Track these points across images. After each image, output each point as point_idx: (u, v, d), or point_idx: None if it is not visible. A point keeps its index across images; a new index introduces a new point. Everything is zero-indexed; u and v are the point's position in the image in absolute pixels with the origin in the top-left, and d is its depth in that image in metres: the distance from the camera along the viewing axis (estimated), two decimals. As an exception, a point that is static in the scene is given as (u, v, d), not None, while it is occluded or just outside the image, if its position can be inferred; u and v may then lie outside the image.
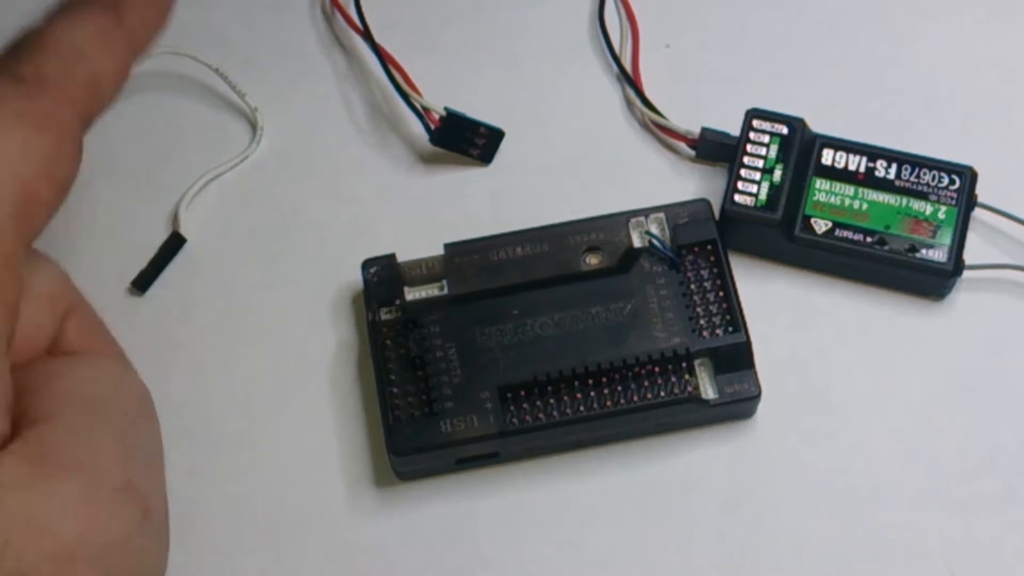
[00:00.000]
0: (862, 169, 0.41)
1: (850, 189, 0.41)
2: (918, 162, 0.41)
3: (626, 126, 0.46)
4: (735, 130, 0.43)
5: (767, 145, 0.42)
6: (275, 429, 0.41)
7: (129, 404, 0.27)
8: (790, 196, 0.41)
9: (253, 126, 0.46)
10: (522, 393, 0.38)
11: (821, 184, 0.41)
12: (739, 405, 0.39)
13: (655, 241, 0.40)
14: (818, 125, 0.42)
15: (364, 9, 0.46)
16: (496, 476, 0.39)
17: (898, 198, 0.41)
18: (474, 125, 0.45)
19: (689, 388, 0.38)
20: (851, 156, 0.42)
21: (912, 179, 0.41)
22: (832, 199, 0.41)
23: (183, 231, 0.44)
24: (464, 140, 0.45)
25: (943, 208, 0.41)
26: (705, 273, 0.40)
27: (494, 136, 0.45)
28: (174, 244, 0.44)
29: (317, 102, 0.47)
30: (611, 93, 0.46)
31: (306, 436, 0.40)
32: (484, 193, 0.45)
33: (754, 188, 0.41)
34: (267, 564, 0.39)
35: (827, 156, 0.42)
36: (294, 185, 0.45)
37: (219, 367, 0.42)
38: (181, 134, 0.46)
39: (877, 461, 0.39)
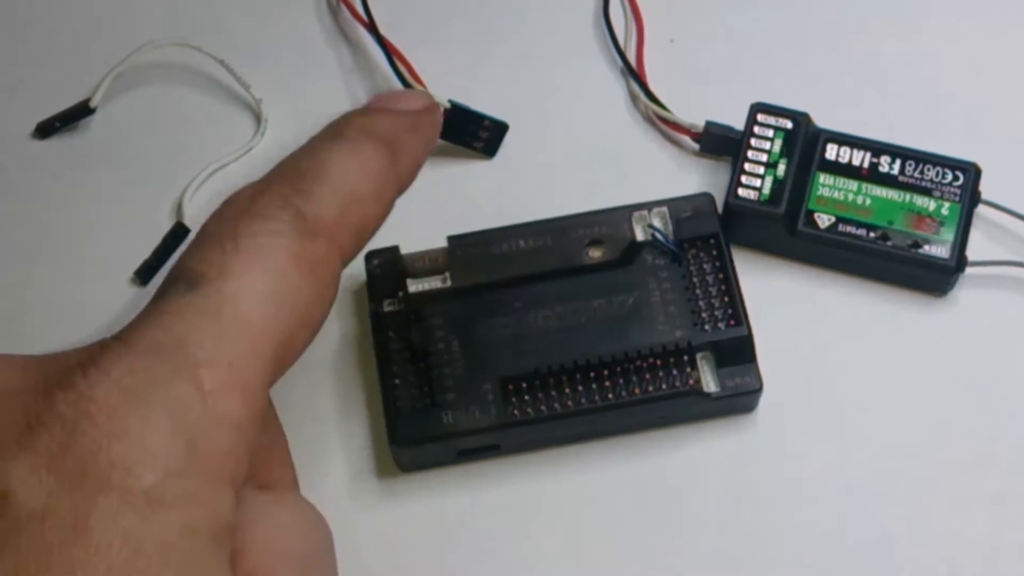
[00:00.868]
0: (866, 164, 0.41)
1: (853, 184, 0.41)
2: (922, 158, 0.41)
3: (630, 120, 0.46)
4: (739, 124, 0.43)
5: (771, 139, 0.42)
6: (277, 420, 0.41)
7: (328, 558, 0.29)
8: (793, 191, 0.41)
9: (257, 117, 0.46)
10: (524, 385, 0.38)
11: (825, 179, 0.41)
12: (741, 399, 0.39)
13: (658, 235, 0.40)
14: (822, 120, 0.42)
15: (369, 2, 0.46)
16: (497, 468, 0.39)
17: (901, 194, 0.41)
18: (478, 118, 0.45)
19: (691, 381, 0.38)
20: (855, 151, 0.42)
21: (916, 175, 0.41)
22: (835, 194, 0.41)
23: (187, 222, 0.44)
24: (468, 133, 0.45)
25: (946, 204, 0.41)
26: (707, 267, 0.40)
27: (498, 129, 0.45)
28: (178, 235, 0.44)
29: (321, 94, 0.47)
30: (616, 87, 0.46)
31: (308, 427, 0.40)
32: (487, 186, 0.45)
33: (758, 182, 0.41)
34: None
35: (831, 151, 0.42)
36: (298, 177, 0.45)
37: (222, 358, 0.42)
38: (185, 125, 0.46)
39: (878, 455, 0.39)
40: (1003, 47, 0.46)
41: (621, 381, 0.38)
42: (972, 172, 0.41)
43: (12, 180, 0.46)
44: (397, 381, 0.39)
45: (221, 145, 0.46)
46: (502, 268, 0.40)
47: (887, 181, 0.41)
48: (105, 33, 0.48)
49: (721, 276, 0.40)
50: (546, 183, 0.44)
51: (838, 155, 0.42)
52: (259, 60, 0.47)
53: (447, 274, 0.40)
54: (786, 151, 0.42)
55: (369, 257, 0.41)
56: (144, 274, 0.43)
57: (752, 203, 0.41)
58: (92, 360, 0.25)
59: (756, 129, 0.42)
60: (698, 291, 0.39)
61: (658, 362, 0.38)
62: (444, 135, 0.44)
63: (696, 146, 0.44)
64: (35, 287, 0.44)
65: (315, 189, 0.28)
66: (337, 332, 0.42)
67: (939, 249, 0.40)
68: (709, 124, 0.43)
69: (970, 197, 0.41)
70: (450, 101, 0.44)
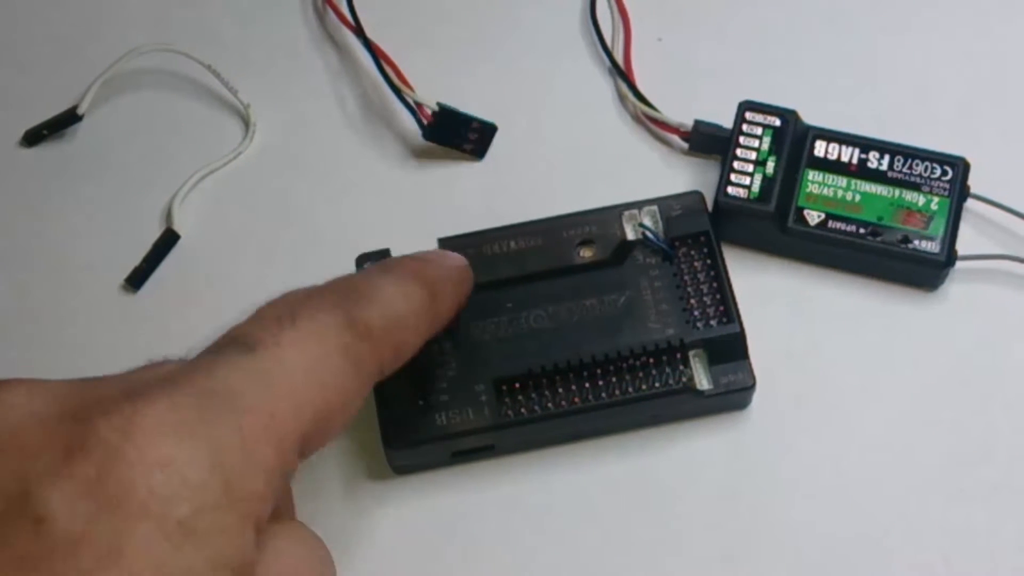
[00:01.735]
0: (855, 161, 0.42)
1: (843, 181, 0.41)
2: (910, 153, 0.42)
3: (619, 120, 0.46)
4: (728, 122, 0.43)
5: (760, 137, 0.42)
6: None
7: None
8: (783, 188, 0.41)
9: (246, 123, 0.46)
10: (517, 386, 0.38)
11: (814, 176, 0.41)
12: (733, 396, 0.39)
13: (648, 233, 0.40)
14: (810, 117, 0.43)
15: (356, 5, 0.46)
16: (492, 469, 0.39)
17: (891, 189, 0.41)
18: (467, 120, 0.45)
19: (683, 379, 0.38)
20: (844, 148, 0.42)
21: (905, 170, 0.41)
22: (825, 191, 0.41)
23: (177, 228, 0.44)
24: (457, 135, 0.45)
25: (936, 199, 0.41)
26: (698, 265, 0.40)
27: (487, 131, 0.45)
28: (168, 241, 0.44)
29: (310, 98, 0.47)
30: (604, 87, 0.46)
31: (301, 431, 0.40)
32: (477, 188, 0.45)
33: (747, 180, 0.41)
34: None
35: (820, 148, 0.42)
36: (287, 181, 0.45)
37: (214, 363, 0.42)
38: (174, 131, 0.46)
39: (872, 451, 0.39)
40: (991, 42, 0.46)
41: (614, 380, 0.38)
42: (961, 167, 0.41)
43: (0, 188, 0.46)
44: (389, 383, 0.38)
45: (210, 150, 0.46)
46: (493, 269, 0.40)
47: (876, 177, 0.41)
48: (92, 40, 0.48)
49: (712, 274, 0.40)
50: (535, 184, 0.44)
51: (827, 152, 0.42)
52: (246, 65, 0.47)
53: (438, 276, 0.40)
54: (775, 148, 0.42)
55: (360, 260, 0.41)
56: (135, 280, 0.43)
57: (742, 201, 0.41)
58: (139, 392, 0.26)
59: (745, 127, 0.42)
60: (689, 289, 0.39)
61: (651, 360, 0.38)
62: (433, 137, 0.44)
63: (685, 145, 0.44)
64: (26, 294, 0.44)
65: (365, 304, 0.31)
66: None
67: (929, 244, 0.40)
68: (698, 123, 0.44)
69: (959, 192, 0.41)
70: (438, 104, 0.44)
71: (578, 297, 0.39)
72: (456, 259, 0.37)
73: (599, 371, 0.38)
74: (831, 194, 0.41)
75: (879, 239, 0.41)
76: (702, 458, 0.39)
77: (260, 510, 0.26)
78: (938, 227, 0.40)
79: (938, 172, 0.41)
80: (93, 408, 0.25)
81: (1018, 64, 0.46)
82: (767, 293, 0.42)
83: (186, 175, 0.45)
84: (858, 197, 0.41)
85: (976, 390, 0.40)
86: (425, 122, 0.44)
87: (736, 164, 0.42)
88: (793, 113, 0.42)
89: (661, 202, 0.41)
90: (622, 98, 0.46)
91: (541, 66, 0.47)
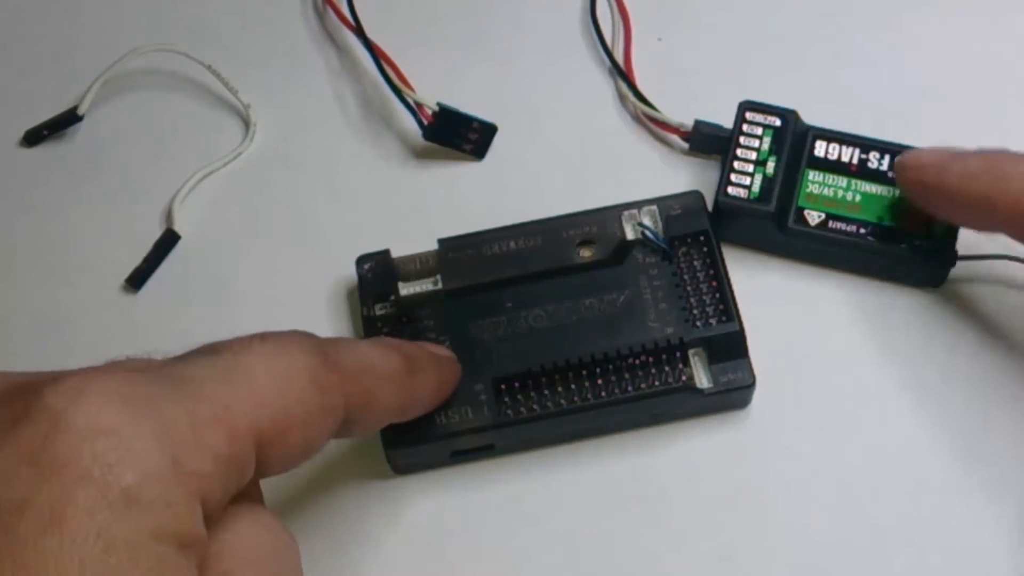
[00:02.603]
0: (855, 161, 0.42)
1: (843, 181, 0.41)
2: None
3: (619, 120, 0.46)
4: (727, 122, 0.43)
5: (760, 137, 0.42)
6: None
7: (291, 570, 0.29)
8: (783, 188, 0.41)
9: (246, 123, 0.46)
10: (516, 385, 0.38)
11: (814, 176, 0.41)
12: (733, 394, 0.39)
13: (648, 233, 0.40)
14: (810, 117, 0.43)
15: (356, 5, 0.46)
16: (492, 468, 0.39)
17: (891, 189, 0.41)
18: (467, 120, 0.45)
19: (683, 378, 0.38)
20: (844, 148, 0.42)
21: None
22: (825, 191, 0.41)
23: (177, 228, 0.44)
24: (457, 135, 0.45)
25: None
26: (698, 264, 0.40)
27: (487, 131, 0.45)
28: (168, 241, 0.44)
29: (310, 98, 0.47)
30: (603, 87, 0.46)
31: (301, 431, 0.40)
32: (477, 188, 0.45)
33: (747, 180, 0.41)
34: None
35: (820, 148, 0.42)
36: (288, 182, 0.45)
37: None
38: (174, 131, 0.46)
39: (871, 450, 0.39)
40: (990, 41, 0.46)
41: (614, 379, 0.38)
42: None
43: (1, 189, 0.46)
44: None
45: (210, 151, 0.46)
46: (493, 269, 0.40)
47: (876, 177, 0.41)
48: (92, 40, 0.48)
49: (712, 273, 0.40)
50: (535, 184, 0.44)
51: (827, 152, 0.42)
52: (246, 65, 0.47)
53: (438, 276, 0.40)
54: (775, 148, 0.42)
55: (360, 261, 0.41)
56: (135, 280, 0.43)
57: (742, 201, 0.41)
58: (93, 368, 0.26)
59: (745, 127, 0.42)
60: (689, 288, 0.40)
61: (650, 359, 0.38)
62: (433, 137, 0.44)
63: (685, 145, 0.44)
64: (27, 295, 0.44)
65: (339, 346, 0.32)
66: (329, 335, 0.42)
67: (928, 244, 0.40)
68: (698, 123, 0.44)
69: None
70: (438, 104, 0.44)
71: (578, 296, 0.39)
72: (442, 348, 0.38)
73: (599, 370, 0.38)
74: (831, 194, 0.41)
75: (879, 239, 0.41)
76: (702, 457, 0.39)
77: (208, 490, 0.26)
78: (938, 227, 0.40)
79: None
80: (44, 381, 0.25)
81: (1017, 64, 0.46)
82: (768, 293, 0.42)
83: (186, 175, 0.45)
84: (858, 197, 0.41)
85: (976, 388, 0.40)
86: (425, 122, 0.44)
87: (736, 164, 0.42)
88: (793, 113, 0.42)
89: (661, 202, 0.41)
90: (622, 98, 0.46)
91: (541, 66, 0.47)
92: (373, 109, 0.46)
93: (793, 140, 0.42)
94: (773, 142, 0.42)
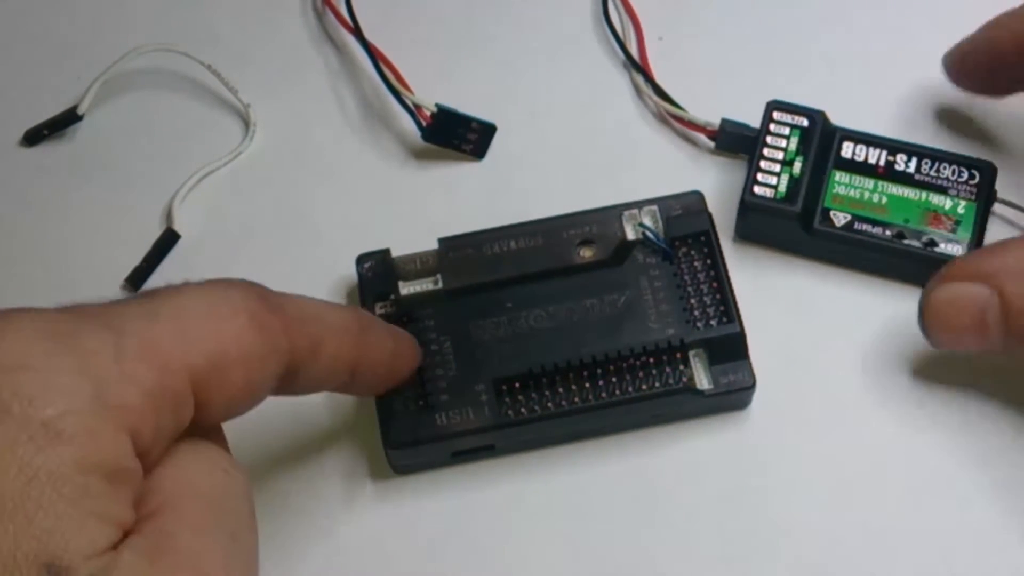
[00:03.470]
0: (882, 163, 0.41)
1: (869, 183, 0.41)
2: (938, 156, 0.41)
3: (629, 117, 0.45)
4: (747, 121, 0.43)
5: (787, 137, 0.42)
6: (271, 424, 0.41)
7: (240, 503, 0.28)
8: (810, 188, 0.41)
9: (246, 122, 0.46)
10: (517, 385, 0.38)
11: (841, 177, 0.41)
12: (734, 395, 0.39)
13: (648, 233, 0.40)
14: (837, 118, 0.42)
15: (355, 7, 0.46)
16: (492, 469, 0.39)
17: (917, 192, 0.41)
18: (466, 120, 0.45)
19: (684, 379, 0.38)
20: (871, 149, 0.42)
21: (932, 173, 0.41)
22: (852, 192, 0.41)
23: (177, 228, 0.44)
24: (456, 136, 0.45)
25: (962, 203, 0.41)
26: (699, 264, 0.40)
27: (486, 131, 0.45)
28: (168, 241, 0.44)
29: (309, 98, 0.47)
30: (611, 87, 0.46)
31: (301, 431, 0.40)
32: (477, 188, 0.45)
33: (774, 180, 0.41)
34: (262, 559, 0.39)
35: (847, 149, 0.42)
36: (287, 181, 0.45)
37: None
38: (173, 131, 0.46)
39: (871, 451, 0.39)
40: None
41: (614, 380, 0.38)
42: (988, 171, 0.41)
43: (1, 188, 0.46)
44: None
45: (210, 150, 0.46)
46: (494, 269, 0.40)
47: (903, 179, 0.41)
48: (92, 40, 0.48)
49: (712, 273, 0.40)
50: (536, 184, 0.44)
51: (854, 153, 0.42)
52: (246, 65, 0.47)
53: (438, 276, 0.40)
54: (802, 149, 0.42)
55: (360, 260, 0.41)
56: (135, 280, 0.43)
57: (768, 200, 0.41)
58: (17, 308, 0.26)
59: (772, 127, 0.42)
60: (689, 289, 0.40)
61: (651, 360, 0.38)
62: (432, 139, 0.44)
63: (711, 144, 0.44)
64: (26, 295, 0.43)
65: (286, 296, 0.31)
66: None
67: (955, 248, 0.40)
68: (725, 122, 0.43)
69: (986, 196, 0.41)
70: (437, 105, 0.44)
71: (578, 297, 0.39)
72: (400, 328, 0.38)
73: (599, 371, 0.38)
74: (858, 196, 0.41)
75: (904, 242, 0.40)
76: (702, 458, 0.39)
77: (137, 423, 0.26)
78: (965, 231, 0.40)
79: (965, 176, 0.41)
80: None
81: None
82: (775, 294, 0.41)
83: (186, 175, 0.45)
84: (885, 199, 0.41)
85: (984, 392, 0.40)
86: (424, 123, 0.44)
87: (763, 164, 0.41)
88: (821, 114, 0.42)
89: (661, 202, 0.41)
90: (637, 91, 0.46)
91: (543, 66, 0.47)
92: (372, 110, 0.46)
93: (820, 141, 0.42)
94: (800, 142, 0.42)
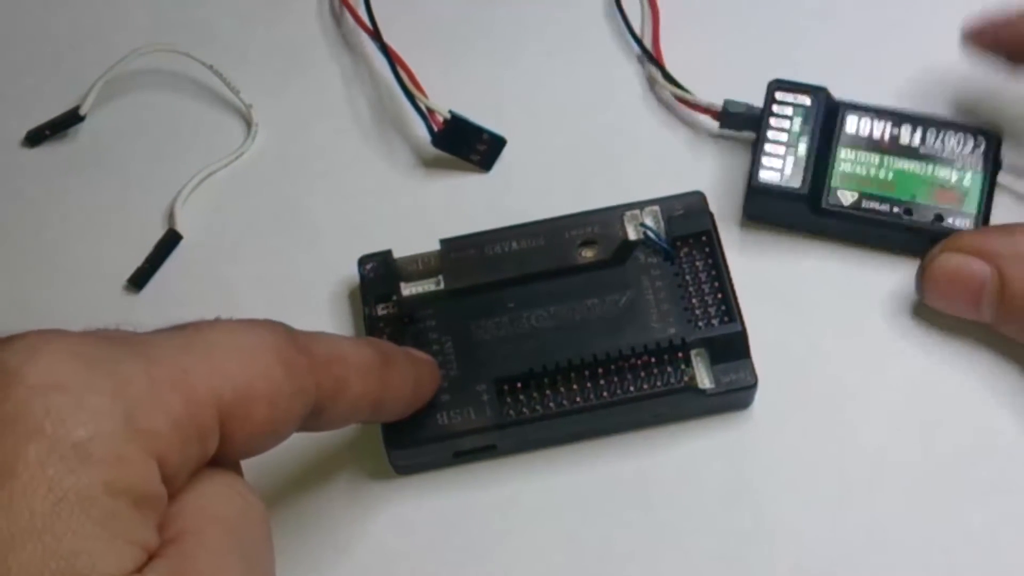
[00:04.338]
0: (887, 137, 0.41)
1: (875, 158, 0.41)
2: (942, 124, 0.41)
3: (626, 114, 0.45)
4: (754, 100, 0.43)
5: (790, 118, 0.42)
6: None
7: (257, 529, 0.29)
8: (816, 168, 0.41)
9: (248, 123, 0.46)
10: (519, 385, 0.38)
11: (846, 154, 0.41)
12: (736, 395, 0.39)
13: (650, 233, 0.40)
14: (839, 91, 0.42)
15: (373, 7, 0.46)
16: (494, 469, 0.39)
17: (923, 166, 0.41)
18: (477, 131, 0.44)
19: (685, 378, 0.38)
20: (875, 122, 0.42)
21: (937, 145, 0.41)
22: (858, 169, 0.41)
23: (179, 228, 0.44)
24: (466, 145, 0.44)
25: (968, 174, 0.41)
26: (700, 264, 0.40)
27: (496, 144, 0.45)
28: (170, 241, 0.44)
29: (312, 99, 0.47)
30: (611, 81, 0.46)
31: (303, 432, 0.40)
32: (482, 199, 0.44)
33: (779, 163, 0.41)
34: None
35: (851, 124, 0.42)
36: (289, 182, 0.45)
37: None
38: (175, 131, 0.47)
39: (873, 450, 0.39)
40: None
41: (616, 379, 0.38)
42: (992, 139, 0.41)
43: (3, 189, 0.46)
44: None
45: (212, 151, 0.46)
46: (495, 269, 0.40)
47: (908, 153, 0.41)
48: (94, 40, 0.48)
49: (714, 273, 0.40)
50: (539, 184, 0.44)
51: (858, 128, 0.42)
52: (248, 65, 0.47)
53: (440, 277, 0.40)
54: (806, 128, 0.42)
55: (362, 261, 0.41)
56: (138, 281, 0.43)
57: (776, 183, 0.41)
58: (50, 329, 0.26)
59: (775, 107, 0.42)
60: (691, 288, 0.40)
61: (652, 360, 0.38)
62: (441, 144, 0.44)
63: (714, 126, 0.44)
64: (28, 295, 0.44)
65: (311, 335, 0.32)
66: (331, 336, 0.42)
67: (963, 221, 0.40)
68: (728, 102, 0.43)
69: (992, 165, 0.41)
70: (450, 112, 0.44)
71: (580, 297, 0.39)
72: (421, 353, 0.38)
73: (601, 371, 0.38)
74: (864, 173, 0.41)
75: (912, 218, 0.40)
76: (703, 458, 0.39)
77: (165, 450, 0.26)
78: (971, 204, 0.40)
79: (970, 145, 0.41)
80: (2, 340, 0.26)
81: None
82: (774, 290, 0.41)
83: (188, 176, 0.45)
84: (891, 175, 0.41)
85: (985, 382, 0.40)
86: (435, 128, 0.44)
87: (768, 146, 0.41)
88: (823, 90, 0.42)
89: (663, 202, 0.41)
90: (650, 82, 0.45)
91: (547, 67, 0.47)
92: (378, 112, 0.46)
93: (824, 118, 0.42)
94: (804, 121, 0.42)
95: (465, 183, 0.45)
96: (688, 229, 0.40)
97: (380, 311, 0.40)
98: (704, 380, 0.38)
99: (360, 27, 0.46)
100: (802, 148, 0.41)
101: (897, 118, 0.42)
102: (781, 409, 0.40)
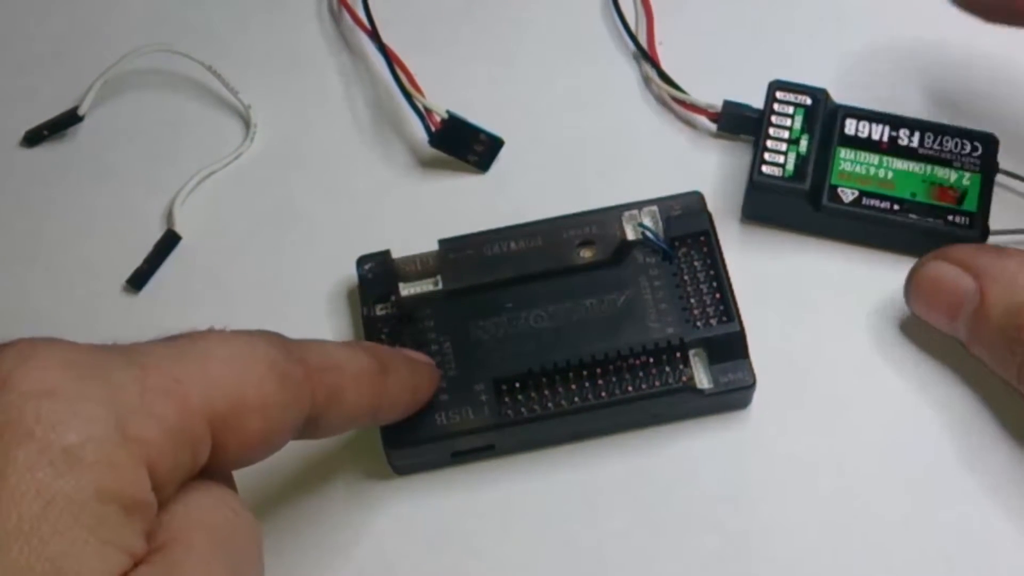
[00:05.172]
0: (885, 138, 0.42)
1: (875, 158, 0.41)
2: (940, 129, 0.42)
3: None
4: (753, 103, 0.43)
5: (791, 116, 0.42)
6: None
7: (246, 542, 0.29)
8: (816, 166, 0.41)
9: (247, 123, 0.46)
10: (517, 385, 0.38)
11: (846, 154, 0.42)
12: (734, 395, 0.39)
13: (648, 233, 0.40)
14: (838, 95, 0.43)
15: (371, 6, 0.46)
16: (492, 469, 0.39)
17: (922, 166, 0.41)
18: (475, 131, 0.44)
19: (683, 378, 0.38)
20: (874, 125, 0.42)
21: (935, 147, 0.41)
22: (857, 168, 0.41)
23: (178, 229, 0.44)
24: (463, 145, 0.44)
25: (967, 175, 0.41)
26: (698, 264, 0.40)
27: (494, 144, 0.45)
28: (169, 242, 0.44)
29: (311, 99, 0.47)
30: (608, 82, 0.46)
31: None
32: (479, 200, 0.44)
33: (781, 159, 0.41)
34: (264, 559, 0.39)
35: (850, 126, 0.42)
36: (288, 182, 0.45)
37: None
38: (174, 132, 0.47)
39: (873, 450, 0.39)
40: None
41: (614, 379, 0.38)
42: (990, 142, 0.41)
43: (1, 189, 0.46)
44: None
45: (210, 151, 0.46)
46: (494, 270, 0.40)
47: (907, 154, 0.41)
48: (92, 40, 0.48)
49: (712, 273, 0.40)
50: (538, 186, 0.44)
51: (857, 130, 0.42)
52: (247, 66, 0.47)
53: (439, 277, 0.40)
54: (807, 127, 0.42)
55: (361, 262, 0.41)
56: (136, 281, 0.43)
57: (777, 179, 0.41)
58: (44, 338, 0.26)
59: (776, 107, 0.42)
60: (689, 288, 0.40)
61: (651, 360, 0.38)
62: (439, 145, 0.44)
63: (713, 126, 0.44)
64: (27, 296, 0.44)
65: (305, 344, 0.31)
66: (330, 336, 0.42)
67: (961, 219, 0.40)
68: (727, 103, 0.44)
69: (989, 167, 0.41)
70: (448, 112, 0.44)
71: (578, 297, 0.40)
72: (420, 354, 0.38)
73: (599, 371, 0.38)
74: (864, 171, 0.41)
75: (912, 216, 0.41)
76: (702, 458, 0.39)
77: (156, 458, 0.26)
78: (970, 203, 0.41)
79: (968, 148, 0.41)
80: None
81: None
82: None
83: (187, 176, 0.45)
84: (890, 174, 0.41)
85: (986, 382, 0.40)
86: (433, 128, 0.44)
87: (769, 143, 0.42)
88: (823, 92, 0.42)
89: (661, 202, 0.41)
90: (647, 81, 0.45)
91: (544, 69, 0.47)
92: (377, 112, 0.46)
93: (824, 119, 0.42)
94: (805, 121, 0.42)
95: (463, 183, 0.45)
96: (686, 229, 0.40)
97: (379, 311, 0.40)
98: (702, 380, 0.39)
99: (358, 27, 0.46)
100: (803, 146, 0.42)
101: (895, 121, 0.42)
102: (779, 409, 0.40)
